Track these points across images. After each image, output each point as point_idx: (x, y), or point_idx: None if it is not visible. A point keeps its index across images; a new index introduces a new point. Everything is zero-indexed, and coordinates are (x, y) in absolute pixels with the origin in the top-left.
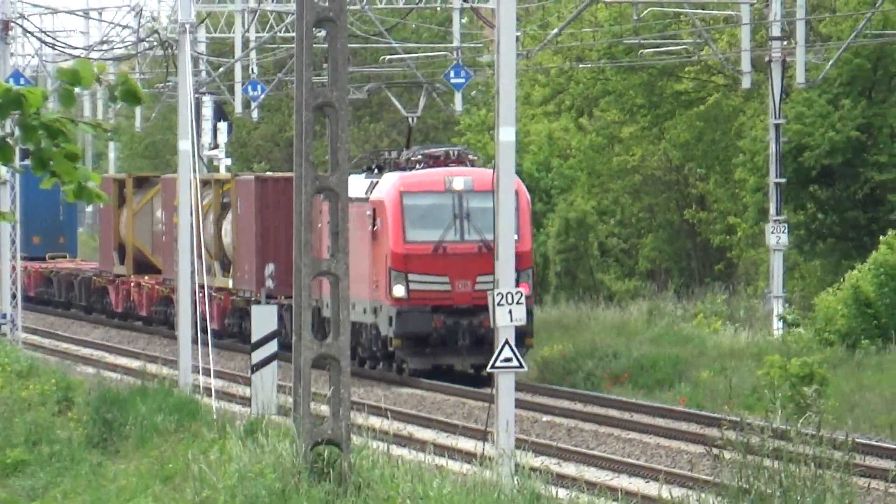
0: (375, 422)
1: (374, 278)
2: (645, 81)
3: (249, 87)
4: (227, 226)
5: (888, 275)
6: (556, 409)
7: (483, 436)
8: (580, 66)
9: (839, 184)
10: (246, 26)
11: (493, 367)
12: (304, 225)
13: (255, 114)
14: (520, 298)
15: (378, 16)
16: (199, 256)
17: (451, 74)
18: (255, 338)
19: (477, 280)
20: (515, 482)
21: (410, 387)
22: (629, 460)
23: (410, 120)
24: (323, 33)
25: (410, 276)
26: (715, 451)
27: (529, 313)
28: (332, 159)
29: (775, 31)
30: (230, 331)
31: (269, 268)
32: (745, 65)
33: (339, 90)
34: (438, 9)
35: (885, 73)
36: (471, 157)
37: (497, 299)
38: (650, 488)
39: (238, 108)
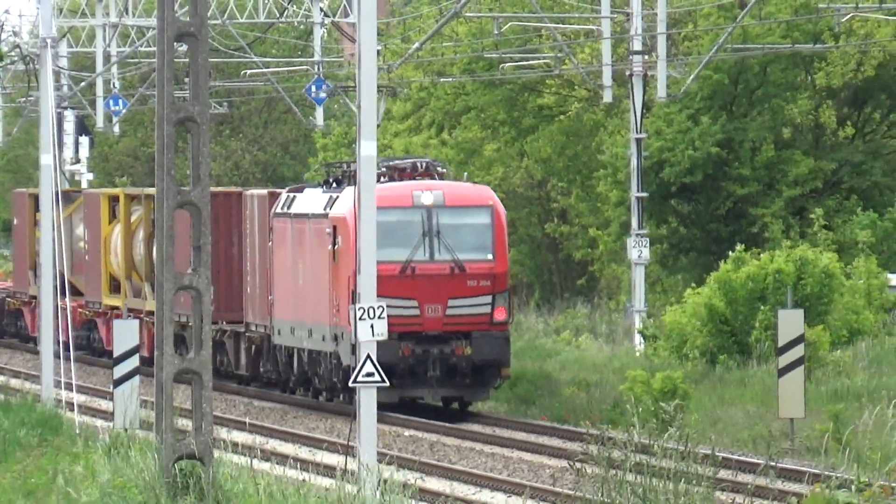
0: (239, 436)
1: (334, 302)
2: (506, 96)
3: (111, 102)
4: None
5: (732, 290)
6: (419, 423)
7: (346, 450)
8: (441, 80)
9: (701, 198)
10: (107, 41)
11: (354, 381)
12: (166, 239)
13: (116, 128)
14: (381, 313)
15: (239, 30)
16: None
17: (313, 88)
18: (116, 353)
19: (448, 304)
20: (378, 497)
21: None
22: (492, 475)
23: None
24: (184, 48)
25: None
26: (577, 465)
27: (506, 340)
28: (194, 174)
29: (636, 45)
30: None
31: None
32: (607, 79)
33: (200, 105)
34: (298, 23)
35: (746, 87)
36: (440, 169)
37: (358, 314)
38: (513, 502)
39: (100, 122)
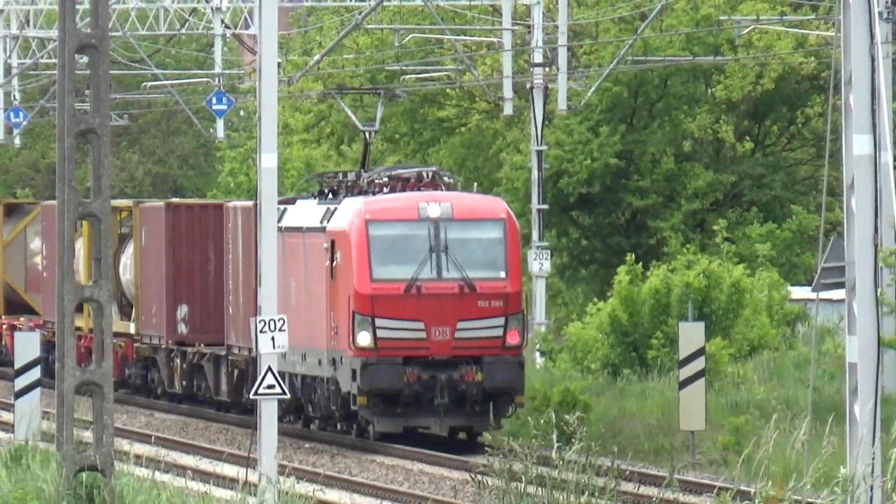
0: (141, 448)
1: (332, 324)
2: (407, 108)
3: (12, 114)
4: (126, 260)
5: (635, 302)
6: (320, 435)
7: (246, 462)
8: (342, 91)
9: (601, 209)
10: (8, 52)
11: (255, 393)
12: (66, 251)
13: (17, 140)
14: (282, 325)
15: (140, 42)
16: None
17: (213, 101)
18: (17, 364)
19: (458, 326)
20: None
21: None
22: (392, 487)
23: (367, 134)
24: (86, 60)
25: (378, 322)
26: (478, 477)
27: (520, 366)
28: (95, 185)
29: (537, 57)
30: (133, 383)
31: (182, 310)
32: (507, 91)
33: (101, 116)
34: (199, 35)
35: (646, 99)
36: (446, 178)
37: (259, 326)
38: None
39: (0, 134)
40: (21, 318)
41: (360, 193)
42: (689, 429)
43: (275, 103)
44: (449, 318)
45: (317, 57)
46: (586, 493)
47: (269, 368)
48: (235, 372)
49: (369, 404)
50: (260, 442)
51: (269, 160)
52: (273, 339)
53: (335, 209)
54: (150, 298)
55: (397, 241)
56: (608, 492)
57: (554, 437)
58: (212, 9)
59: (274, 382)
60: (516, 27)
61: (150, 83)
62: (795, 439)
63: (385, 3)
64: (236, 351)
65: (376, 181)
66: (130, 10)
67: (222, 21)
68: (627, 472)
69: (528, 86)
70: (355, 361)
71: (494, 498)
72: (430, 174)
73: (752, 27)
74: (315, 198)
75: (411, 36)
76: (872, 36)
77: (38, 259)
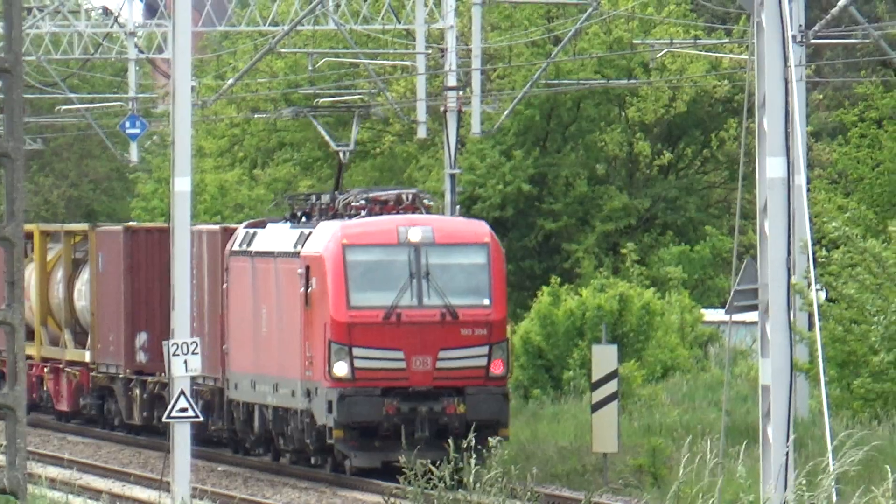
0: (54, 471)
1: (307, 353)
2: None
3: None
4: (81, 286)
5: (552, 324)
6: (233, 458)
7: (159, 485)
8: (256, 115)
9: (514, 233)
10: None
11: (168, 416)
12: None
13: None
14: (195, 349)
15: (54, 67)
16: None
17: (127, 125)
18: None
19: (439, 356)
20: None
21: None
22: None
23: (342, 154)
24: None
25: (355, 351)
26: (391, 499)
27: (505, 397)
28: (9, 209)
29: (451, 80)
30: (87, 413)
31: (142, 338)
32: (421, 114)
33: (15, 140)
34: (114, 59)
35: (559, 122)
36: (426, 201)
37: (172, 349)
38: None
39: None
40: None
41: (335, 216)
42: (602, 451)
43: (188, 127)
44: (430, 347)
45: (231, 80)
46: None
47: (182, 392)
48: (200, 402)
49: (346, 438)
50: (173, 466)
51: (182, 184)
52: (186, 362)
53: (310, 233)
54: (107, 326)
55: (376, 266)
56: None
57: (472, 460)
58: (126, 33)
59: (187, 406)
60: (430, 51)
61: (63, 107)
62: (708, 462)
63: (299, 28)
64: (201, 381)
65: (353, 204)
66: (45, 34)
67: (136, 45)
68: (541, 495)
69: (441, 109)
70: (331, 393)
71: None
72: (410, 196)
73: (665, 50)
74: (286, 221)
75: (325, 59)
76: (786, 59)
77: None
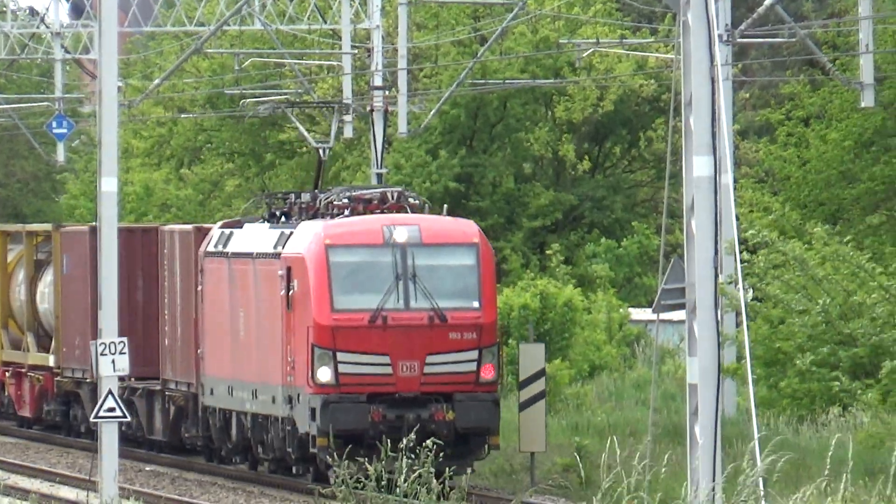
0: None
1: (288, 357)
2: (248, 130)
3: None
4: (43, 288)
5: None
6: (161, 458)
7: (87, 485)
8: (182, 115)
9: None
10: None
11: (95, 416)
12: None
13: None
14: (123, 348)
15: None
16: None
17: (54, 125)
18: None
19: (427, 360)
20: None
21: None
22: None
23: (321, 152)
24: None
25: (340, 356)
26: (320, 498)
27: (495, 404)
28: None
29: (377, 80)
30: (50, 420)
31: None
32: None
33: None
34: (40, 60)
35: (486, 122)
36: (412, 200)
37: (100, 349)
38: None
39: None
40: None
41: (316, 216)
42: (529, 450)
43: (115, 127)
44: (417, 352)
45: (157, 81)
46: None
47: (110, 391)
48: (172, 409)
49: (330, 446)
50: (101, 465)
51: (109, 184)
52: (114, 361)
53: (291, 233)
54: (73, 329)
55: (360, 267)
56: None
57: (403, 460)
58: (52, 33)
59: (115, 406)
60: (356, 51)
61: None
62: (636, 462)
63: (225, 28)
64: (173, 386)
65: (335, 203)
66: None
67: (62, 46)
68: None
69: (368, 109)
70: (315, 399)
71: None
72: (395, 195)
73: (591, 50)
74: (265, 221)
75: (251, 60)
76: (712, 58)
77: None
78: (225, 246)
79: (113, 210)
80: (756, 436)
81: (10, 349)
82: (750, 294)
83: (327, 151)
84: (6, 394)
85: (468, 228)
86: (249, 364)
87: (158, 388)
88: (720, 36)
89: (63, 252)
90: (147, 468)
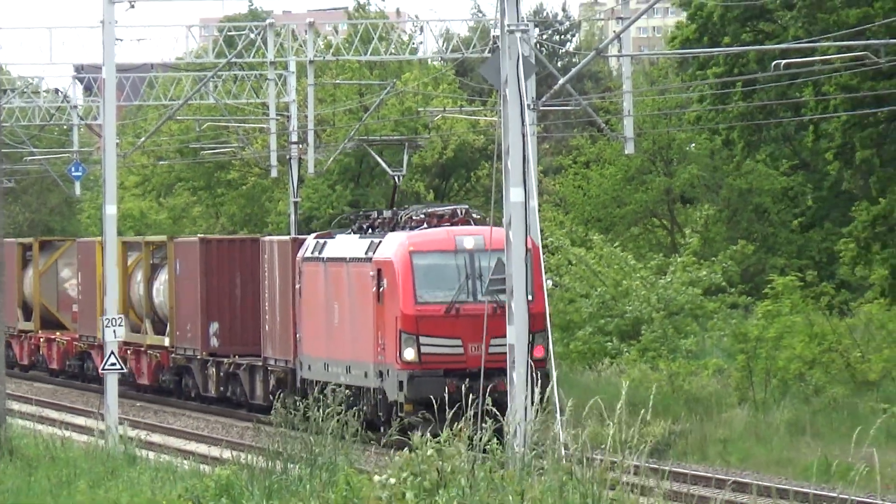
0: (23, 407)
1: (379, 341)
2: (206, 172)
3: None
4: (158, 286)
5: None
6: (146, 397)
7: (97, 416)
8: (160, 162)
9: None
10: None
11: (103, 369)
12: None
13: None
14: (120, 322)
15: (21, 129)
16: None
17: (72, 169)
18: None
19: (491, 343)
20: (119, 448)
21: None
22: (197, 431)
23: (396, 179)
24: None
25: (422, 339)
26: (258, 424)
27: (546, 377)
28: None
29: (294, 137)
30: (166, 387)
31: (214, 326)
32: (274, 160)
33: None
34: (62, 125)
35: (368, 165)
36: (475, 215)
37: (106, 323)
38: (213, 451)
39: None
40: (57, 333)
41: (396, 228)
42: None
43: (114, 169)
44: (483, 336)
45: (143, 138)
46: (333, 436)
47: (112, 352)
48: (272, 380)
49: (415, 411)
50: (106, 402)
51: (111, 209)
52: (115, 331)
53: (379, 242)
54: (185, 317)
55: (437, 269)
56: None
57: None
58: (70, 106)
59: (115, 361)
60: (279, 117)
61: (28, 157)
62: (471, 401)
63: (189, 102)
64: (273, 362)
65: (414, 218)
66: (15, 107)
67: (78, 114)
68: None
69: (287, 157)
70: (402, 374)
71: (269, 438)
72: (463, 211)
73: (440, 115)
74: (353, 233)
75: (207, 123)
76: (523, 120)
77: (67, 285)
78: (320, 252)
79: (113, 228)
80: (553, 377)
81: (130, 332)
82: (550, 283)
83: (400, 178)
84: (127, 366)
85: None
86: (343, 345)
87: (260, 364)
88: (529, 105)
89: (176, 257)
90: (138, 404)
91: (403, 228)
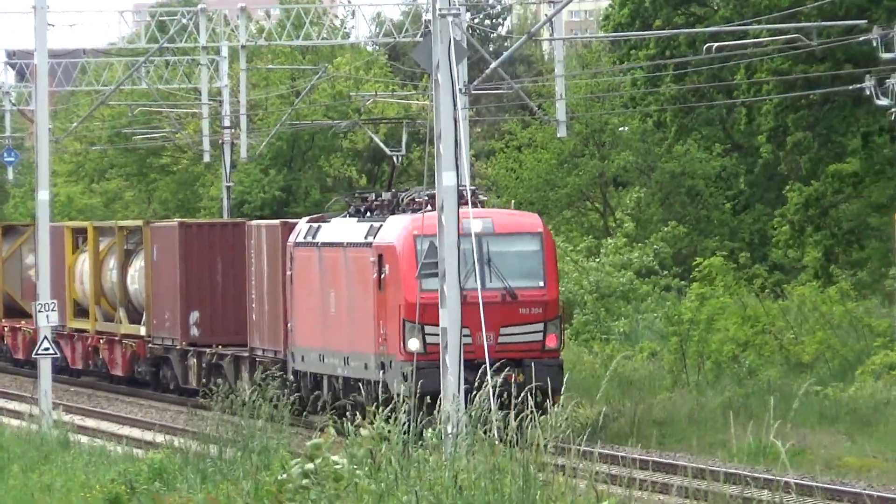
0: None
1: (380, 330)
2: (139, 158)
3: None
4: (133, 273)
5: None
6: (79, 381)
7: (31, 401)
8: (93, 148)
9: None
10: None
11: (36, 353)
12: None
13: None
14: (53, 307)
15: None
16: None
17: (4, 155)
18: None
19: (501, 332)
20: (53, 432)
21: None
22: (131, 416)
23: (395, 159)
24: None
25: (427, 329)
26: (192, 409)
27: (559, 368)
28: None
29: (226, 122)
30: (142, 378)
31: (194, 315)
32: (206, 145)
33: None
34: None
35: (300, 150)
36: (481, 197)
37: (39, 308)
38: (146, 435)
39: None
40: (23, 322)
41: (395, 211)
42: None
43: (47, 155)
44: (493, 325)
45: (75, 124)
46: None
47: (45, 337)
48: (261, 369)
49: (420, 405)
50: (41, 387)
51: (43, 195)
52: (48, 316)
53: (380, 226)
54: (162, 306)
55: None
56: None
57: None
58: (3, 92)
59: (49, 346)
60: (211, 102)
61: None
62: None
63: (122, 88)
64: (261, 353)
65: (416, 200)
66: None
67: (11, 101)
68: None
69: (220, 142)
70: (406, 365)
71: (204, 423)
72: (470, 192)
73: (371, 100)
74: (349, 216)
75: (140, 108)
76: (455, 105)
77: (31, 272)
78: (314, 237)
79: (46, 213)
80: (487, 360)
81: (103, 321)
82: None
83: (399, 159)
84: (100, 357)
85: (532, 220)
86: (340, 335)
87: (246, 354)
88: (460, 90)
89: (153, 243)
90: (72, 388)
91: (404, 211)
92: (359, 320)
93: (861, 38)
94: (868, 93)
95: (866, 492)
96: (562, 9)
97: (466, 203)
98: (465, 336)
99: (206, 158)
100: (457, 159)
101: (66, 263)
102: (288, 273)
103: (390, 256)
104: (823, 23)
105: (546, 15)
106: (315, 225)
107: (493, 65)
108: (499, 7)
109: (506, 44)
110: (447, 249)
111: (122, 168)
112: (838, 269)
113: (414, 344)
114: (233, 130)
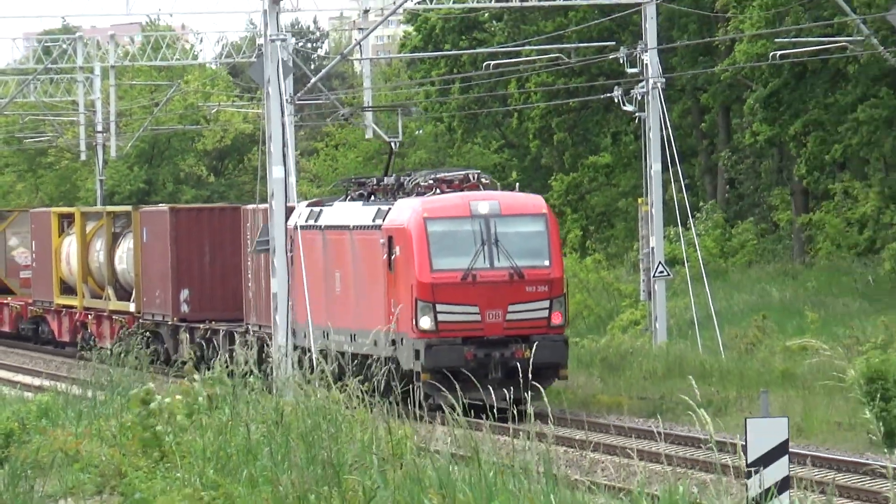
0: None
1: (391, 309)
2: (28, 157)
3: None
4: (121, 253)
5: None
6: (23, 369)
7: None
8: None
9: None
10: None
11: None
12: None
13: None
14: None
15: None
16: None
17: None
18: None
19: (508, 309)
20: None
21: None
22: (23, 366)
23: (393, 144)
24: None
25: (438, 307)
26: (79, 360)
27: (564, 343)
28: None
29: (99, 128)
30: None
31: (184, 293)
32: (83, 147)
33: None
34: None
35: (159, 150)
36: (485, 180)
37: None
38: (35, 381)
39: None
40: (8, 298)
41: (403, 195)
42: None
43: None
44: (501, 303)
45: None
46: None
47: None
48: (256, 346)
49: (432, 381)
50: None
51: None
52: None
53: (388, 209)
54: (152, 284)
55: (452, 235)
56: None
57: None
58: None
59: None
60: (87, 112)
61: None
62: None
63: (14, 101)
64: (257, 329)
65: (421, 184)
66: None
67: None
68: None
69: (94, 144)
70: (418, 343)
71: (80, 369)
72: (475, 176)
73: (216, 108)
74: (353, 200)
75: (29, 117)
76: (283, 112)
77: (14, 253)
78: (317, 220)
79: None
80: (311, 334)
81: (90, 298)
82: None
83: (397, 144)
84: (89, 331)
85: (537, 202)
86: (346, 314)
87: (241, 329)
88: (287, 100)
89: (143, 226)
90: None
91: (410, 195)
92: (367, 299)
93: (611, 57)
94: (616, 101)
95: (614, 423)
96: (368, 35)
97: (476, 186)
98: (474, 314)
99: (83, 157)
100: (284, 156)
101: (53, 245)
102: (288, 255)
103: (401, 238)
104: (580, 44)
105: (356, 39)
106: (317, 209)
107: (313, 80)
108: (318, 33)
109: (324, 62)
110: (276, 229)
111: (15, 166)
112: (593, 244)
113: (426, 322)
114: (104, 134)
